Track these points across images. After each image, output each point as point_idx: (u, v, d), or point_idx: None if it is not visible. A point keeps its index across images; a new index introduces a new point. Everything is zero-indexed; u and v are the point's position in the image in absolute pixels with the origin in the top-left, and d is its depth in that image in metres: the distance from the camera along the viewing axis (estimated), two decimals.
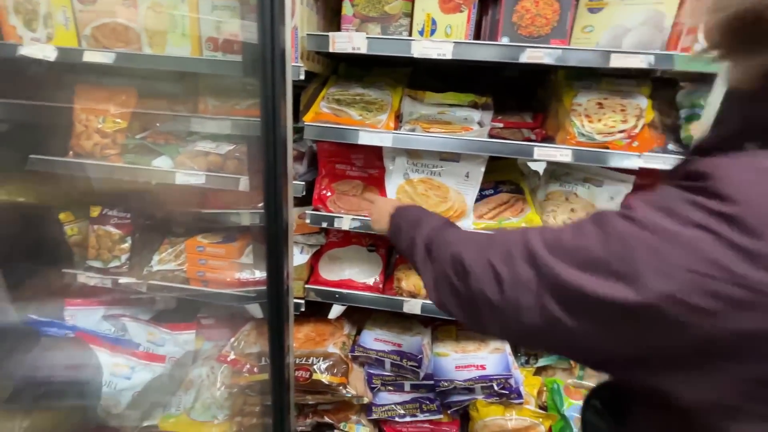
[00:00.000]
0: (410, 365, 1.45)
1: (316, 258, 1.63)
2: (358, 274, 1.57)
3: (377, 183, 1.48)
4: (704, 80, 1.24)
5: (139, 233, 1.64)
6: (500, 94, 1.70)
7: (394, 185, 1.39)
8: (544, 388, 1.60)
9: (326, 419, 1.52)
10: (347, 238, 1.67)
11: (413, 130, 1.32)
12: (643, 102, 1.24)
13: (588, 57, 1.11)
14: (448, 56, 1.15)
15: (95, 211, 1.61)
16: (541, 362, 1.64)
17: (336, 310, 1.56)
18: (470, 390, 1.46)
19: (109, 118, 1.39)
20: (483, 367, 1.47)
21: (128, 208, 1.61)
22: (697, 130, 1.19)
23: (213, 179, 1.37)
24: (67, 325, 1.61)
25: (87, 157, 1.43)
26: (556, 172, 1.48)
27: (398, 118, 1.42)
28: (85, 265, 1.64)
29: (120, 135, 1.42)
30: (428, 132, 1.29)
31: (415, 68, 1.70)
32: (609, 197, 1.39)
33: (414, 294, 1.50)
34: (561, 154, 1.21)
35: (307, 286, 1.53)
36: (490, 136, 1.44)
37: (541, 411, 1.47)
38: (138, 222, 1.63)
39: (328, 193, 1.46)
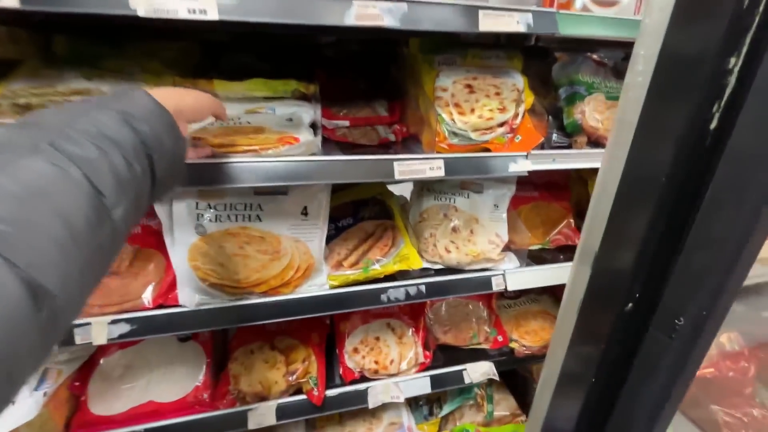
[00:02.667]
0: None
1: (82, 379, 0.95)
2: (165, 385, 0.97)
3: (159, 240, 0.86)
4: (580, 49, 0.98)
5: None
6: (343, 75, 1.24)
7: (183, 246, 0.81)
8: None
9: None
10: None
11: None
12: (519, 80, 0.93)
13: (447, 17, 0.71)
14: (212, 16, 0.60)
15: None
16: (446, 410, 1.34)
17: None
18: None
19: None
20: None
21: None
22: (585, 113, 0.94)
23: None
24: None
25: None
26: (428, 181, 1.11)
27: None
28: None
29: None
30: (218, 154, 0.73)
31: (214, 44, 1.09)
32: (493, 205, 1.09)
33: (263, 395, 0.99)
34: (431, 167, 0.81)
35: None
36: (334, 140, 0.98)
37: None
38: None
39: None
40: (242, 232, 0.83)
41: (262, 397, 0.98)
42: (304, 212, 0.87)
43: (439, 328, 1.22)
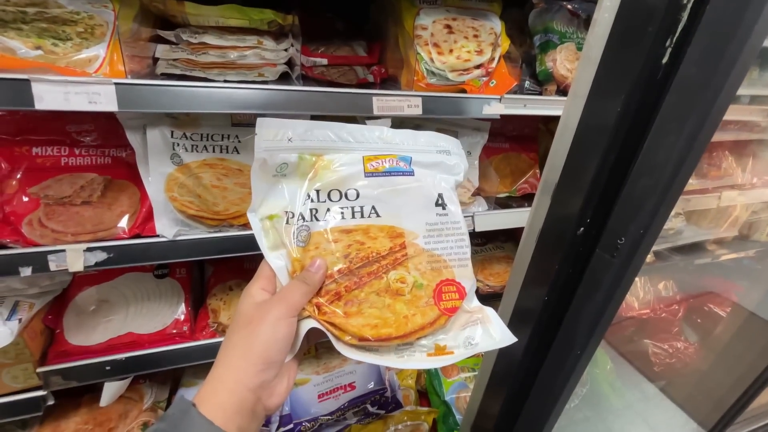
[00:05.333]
0: None
1: (55, 312, 0.95)
2: (143, 319, 0.99)
3: (131, 172, 0.85)
4: None
5: None
6: (321, 15, 1.20)
7: (160, 176, 0.80)
8: (422, 370, 1.44)
9: None
10: None
11: (168, 77, 0.73)
12: (497, 24, 0.95)
13: None
14: None
15: None
16: None
17: (112, 391, 0.97)
18: (340, 420, 1.15)
19: None
20: (352, 387, 1.17)
21: None
22: (556, 62, 0.98)
23: None
24: None
25: None
26: (405, 124, 1.13)
27: (153, 59, 0.78)
28: None
29: None
30: (193, 78, 0.72)
31: None
32: (466, 151, 1.13)
33: None
34: (409, 104, 0.83)
35: (42, 369, 0.87)
36: (312, 78, 0.97)
37: (422, 409, 1.29)
38: None
39: (24, 210, 0.77)
40: (220, 163, 0.83)
41: None
42: None
43: None
